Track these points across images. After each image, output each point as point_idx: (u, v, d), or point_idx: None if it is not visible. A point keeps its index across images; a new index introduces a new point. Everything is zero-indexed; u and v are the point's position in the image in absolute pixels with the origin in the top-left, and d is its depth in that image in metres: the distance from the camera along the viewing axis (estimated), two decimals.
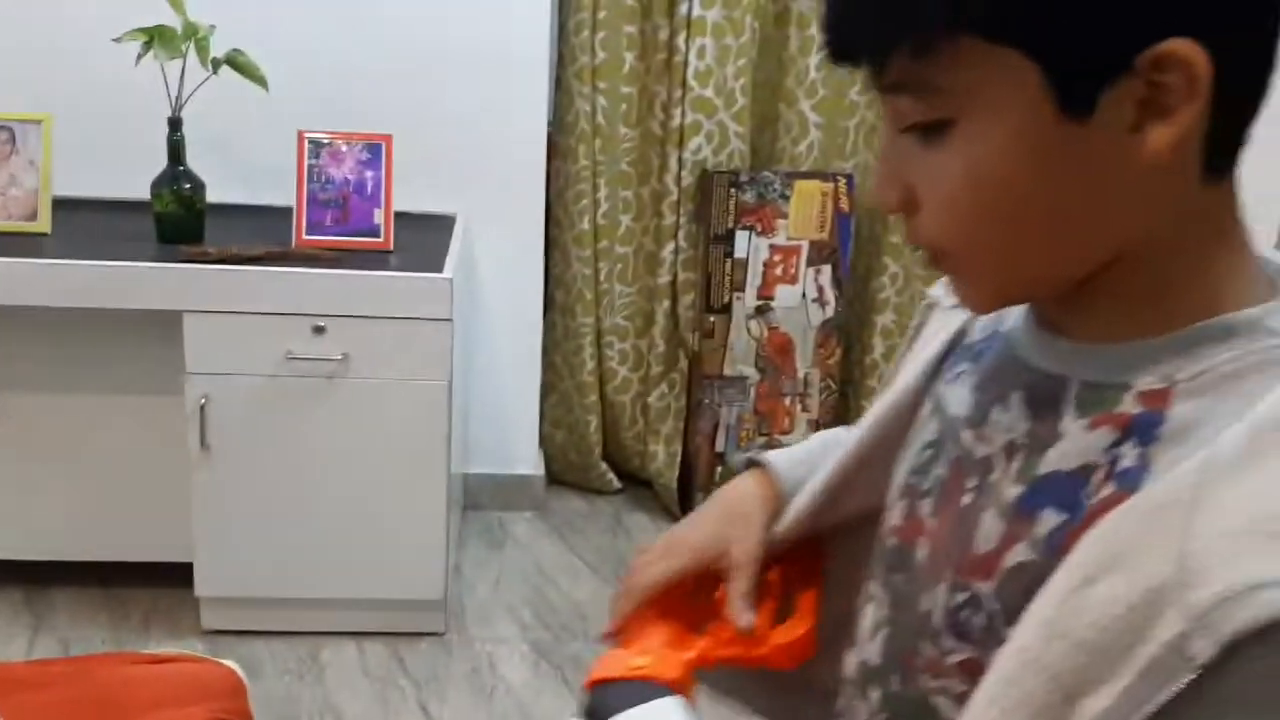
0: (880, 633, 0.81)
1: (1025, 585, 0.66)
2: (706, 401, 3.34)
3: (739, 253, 3.23)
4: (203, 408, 2.51)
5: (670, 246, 3.31)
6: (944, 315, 0.87)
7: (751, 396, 3.35)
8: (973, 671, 0.68)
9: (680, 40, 3.16)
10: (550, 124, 3.21)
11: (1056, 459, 0.68)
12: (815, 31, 3.20)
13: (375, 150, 2.70)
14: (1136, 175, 0.62)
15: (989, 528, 0.71)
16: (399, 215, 2.72)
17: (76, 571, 2.82)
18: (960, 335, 0.84)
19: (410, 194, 2.88)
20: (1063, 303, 0.70)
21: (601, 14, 3.14)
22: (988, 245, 0.67)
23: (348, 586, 2.69)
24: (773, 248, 3.24)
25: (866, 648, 0.82)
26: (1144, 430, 0.64)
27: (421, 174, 2.96)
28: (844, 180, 3.24)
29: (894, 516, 0.82)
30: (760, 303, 3.28)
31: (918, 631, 0.76)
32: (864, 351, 3.52)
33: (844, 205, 3.25)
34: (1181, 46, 0.59)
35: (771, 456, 0.99)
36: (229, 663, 1.59)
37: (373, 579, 2.69)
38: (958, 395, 0.79)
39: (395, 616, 2.73)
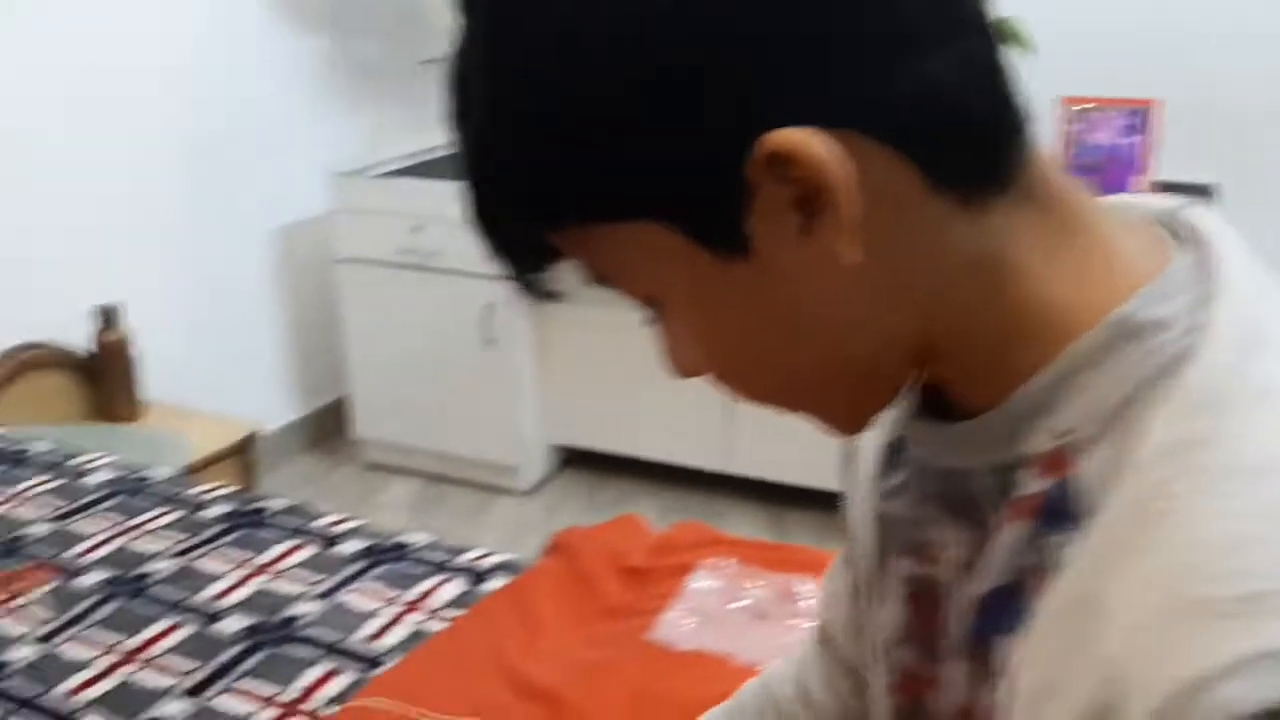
0: None
1: None
2: None
3: None
4: None
5: None
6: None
7: None
8: None
9: None
10: None
11: (994, 571, 0.55)
12: None
13: (1138, 116, 2.64)
14: (867, 266, 0.51)
15: (955, 672, 0.59)
16: (1156, 184, 2.63)
17: (818, 498, 3.13)
18: (893, 436, 0.67)
19: (1171, 162, 2.77)
20: (925, 386, 0.59)
21: None
22: (786, 390, 0.58)
23: None
24: None
25: None
26: (1054, 511, 0.52)
27: (1183, 142, 2.83)
28: None
29: (878, 675, 0.68)
30: None
31: None
32: None
33: None
34: (774, 141, 0.48)
35: None
36: None
37: None
38: (898, 516, 0.65)
39: None
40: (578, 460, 3.43)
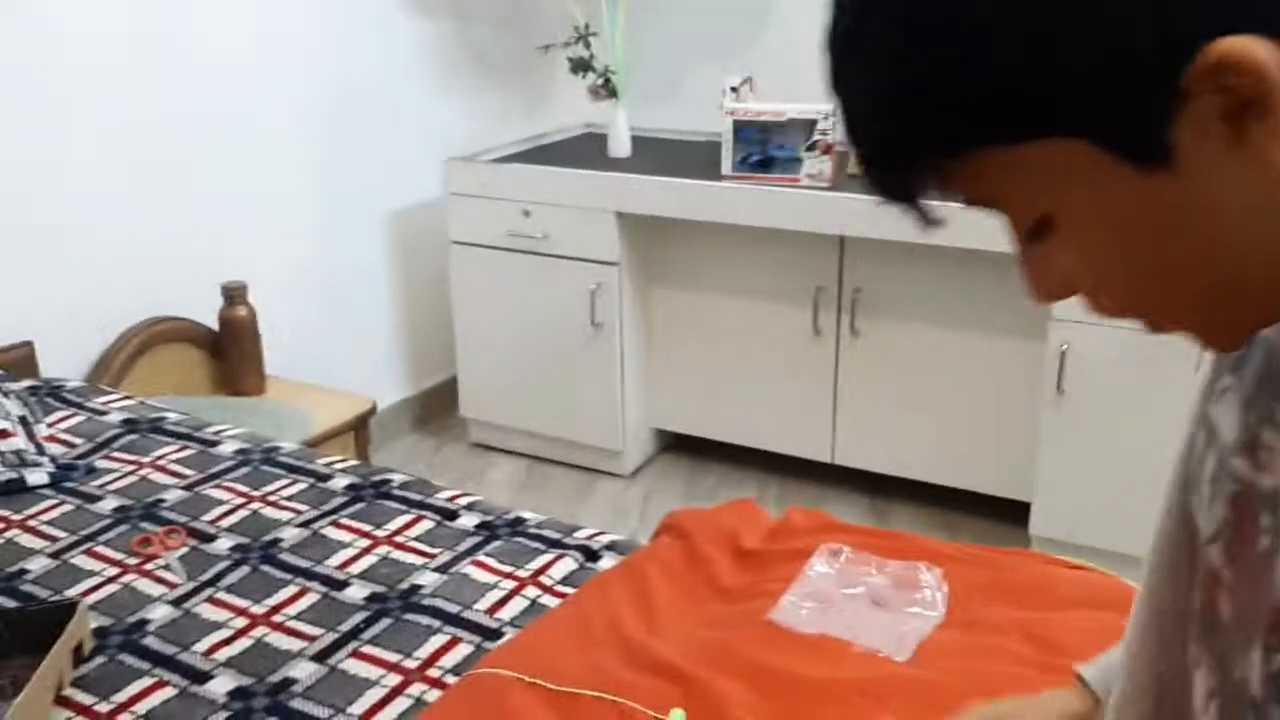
0: (1212, 704, 0.64)
1: None
2: None
3: None
4: (1063, 354, 2.61)
5: None
6: None
7: None
8: None
9: None
10: None
11: None
12: None
13: None
14: None
15: (1250, 581, 0.56)
16: None
17: (918, 490, 3.11)
18: None
19: None
20: None
21: None
22: (1173, 305, 0.57)
23: None
24: None
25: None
26: None
27: None
28: None
29: (1197, 570, 0.66)
30: None
31: (1239, 699, 0.60)
32: None
33: None
34: (1221, 48, 0.48)
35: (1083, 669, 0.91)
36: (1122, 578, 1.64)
37: None
38: (1226, 417, 0.65)
39: None
40: (679, 445, 3.46)
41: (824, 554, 1.63)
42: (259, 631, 1.64)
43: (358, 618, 1.66)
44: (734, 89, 2.97)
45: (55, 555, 1.83)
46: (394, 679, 1.53)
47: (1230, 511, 0.63)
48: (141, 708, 1.47)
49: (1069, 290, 0.60)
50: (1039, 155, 0.53)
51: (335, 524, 1.92)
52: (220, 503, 1.99)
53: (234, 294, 2.82)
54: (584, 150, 3.42)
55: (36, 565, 1.80)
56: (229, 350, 2.85)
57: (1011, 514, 2.87)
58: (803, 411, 3.16)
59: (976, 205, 0.59)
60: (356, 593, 1.73)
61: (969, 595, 1.58)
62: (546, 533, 1.89)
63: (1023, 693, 1.38)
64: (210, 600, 1.71)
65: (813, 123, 2.85)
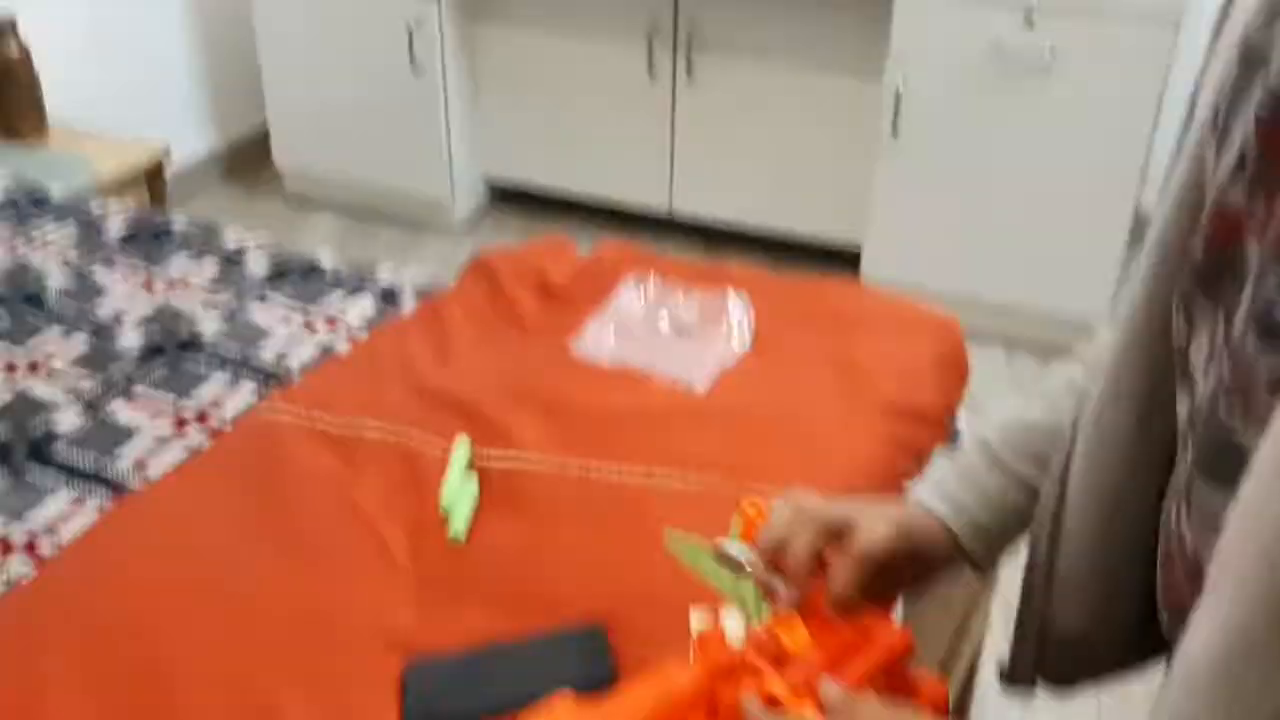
0: (1212, 365, 0.63)
1: None
2: None
3: None
4: (898, 95, 2.53)
5: None
6: None
7: None
8: None
9: None
10: None
11: None
12: None
13: None
14: None
15: None
16: None
17: (754, 244, 3.06)
18: None
19: None
20: None
21: None
22: None
23: (1005, 291, 2.67)
24: None
25: (1199, 384, 0.64)
26: None
27: None
28: None
29: (1201, 228, 0.63)
30: None
31: (1228, 351, 0.59)
32: None
33: None
34: None
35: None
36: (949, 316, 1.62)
37: (1036, 288, 2.65)
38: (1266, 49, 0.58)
39: (1048, 328, 2.67)
40: (512, 198, 3.32)
41: (630, 284, 1.54)
42: (21, 381, 1.49)
43: (131, 364, 1.53)
44: None
45: None
46: (168, 427, 1.42)
47: (1257, 141, 0.58)
48: None
49: None
50: None
51: (109, 270, 1.75)
52: None
53: (1, 30, 2.50)
54: None
55: None
56: (1, 92, 2.55)
57: (849, 263, 2.85)
58: (639, 159, 3.04)
59: None
60: (131, 339, 1.59)
61: (778, 324, 1.52)
62: (343, 275, 1.76)
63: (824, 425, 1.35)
64: None
65: None
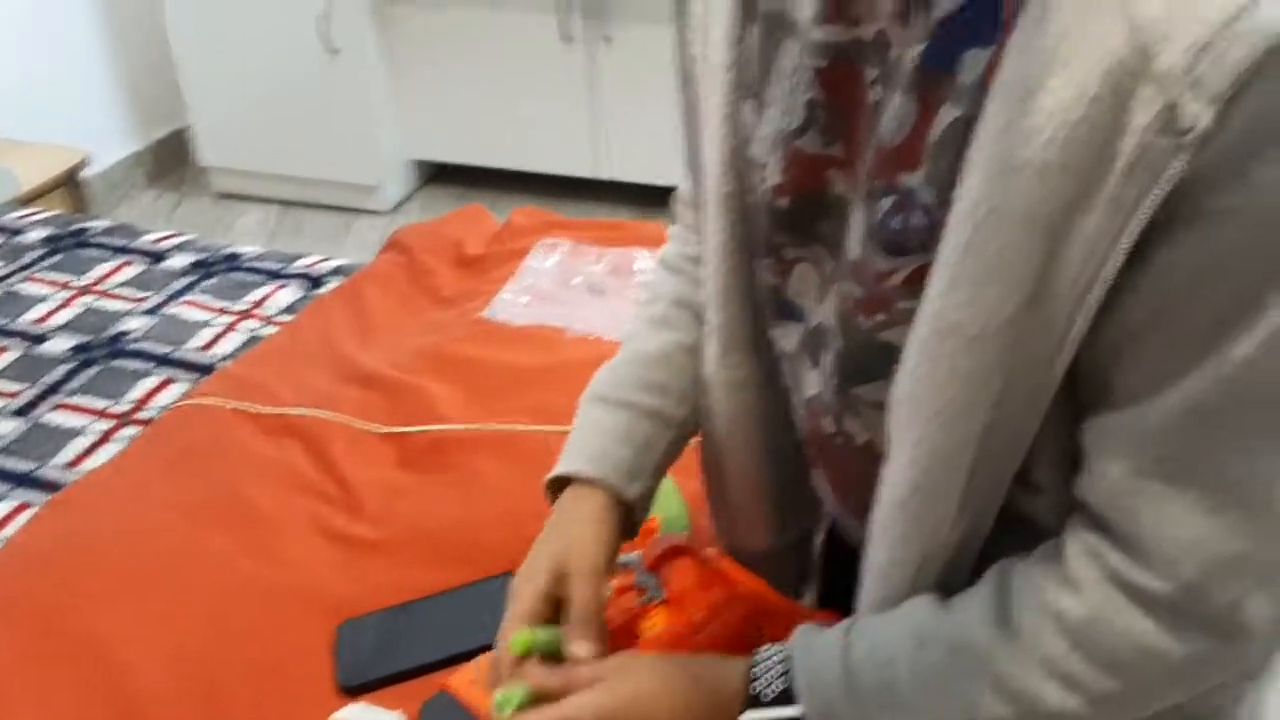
0: (828, 294, 0.68)
1: (959, 150, 0.54)
2: None
3: None
4: None
5: None
6: None
7: None
8: (924, 281, 0.58)
9: None
10: None
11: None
12: None
13: None
14: None
15: (899, 110, 0.58)
16: None
17: None
18: None
19: None
20: None
21: None
22: None
23: None
24: None
25: (816, 312, 0.69)
26: None
27: None
28: None
29: (771, 175, 0.67)
30: None
31: (851, 273, 0.64)
32: None
33: None
34: None
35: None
36: None
37: None
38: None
39: None
40: (443, 176, 3.33)
41: (542, 249, 1.58)
42: None
43: (61, 370, 1.55)
44: None
45: None
46: (103, 425, 1.44)
47: (821, 90, 0.63)
48: None
49: None
50: None
51: (30, 279, 1.76)
52: None
53: None
54: None
55: None
56: None
57: None
58: (562, 126, 3.06)
59: None
60: (58, 345, 1.61)
61: None
62: (265, 264, 1.78)
63: None
64: None
65: None
